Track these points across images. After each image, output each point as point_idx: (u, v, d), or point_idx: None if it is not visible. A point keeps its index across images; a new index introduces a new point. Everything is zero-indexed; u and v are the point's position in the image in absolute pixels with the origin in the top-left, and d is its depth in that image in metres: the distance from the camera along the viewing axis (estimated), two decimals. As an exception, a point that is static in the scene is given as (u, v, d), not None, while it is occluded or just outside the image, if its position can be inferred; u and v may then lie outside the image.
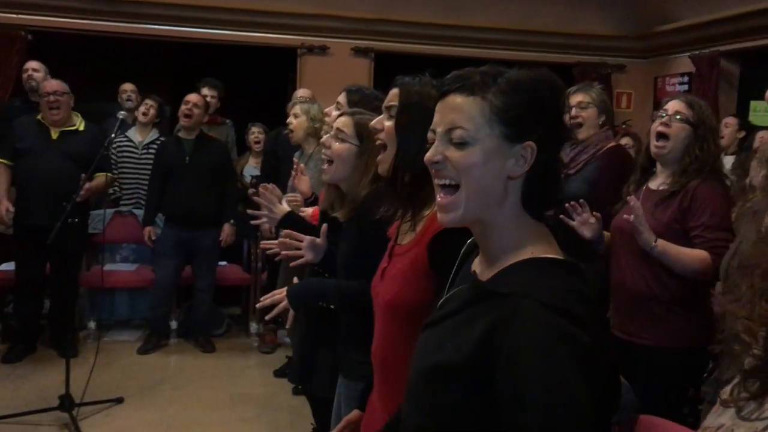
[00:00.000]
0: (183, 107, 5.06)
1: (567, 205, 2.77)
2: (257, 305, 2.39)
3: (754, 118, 5.65)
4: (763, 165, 2.23)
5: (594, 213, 2.76)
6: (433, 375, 1.17)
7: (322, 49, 6.65)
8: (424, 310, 1.42)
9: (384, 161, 1.81)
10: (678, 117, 2.62)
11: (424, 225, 1.70)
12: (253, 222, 2.84)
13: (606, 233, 2.86)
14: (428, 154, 1.18)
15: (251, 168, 5.87)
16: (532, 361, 1.03)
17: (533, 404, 1.02)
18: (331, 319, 2.34)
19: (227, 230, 5.17)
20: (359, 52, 6.68)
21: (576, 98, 3.34)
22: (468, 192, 1.15)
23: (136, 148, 5.57)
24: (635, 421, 1.86)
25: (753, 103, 5.79)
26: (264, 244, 2.65)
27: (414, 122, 1.69)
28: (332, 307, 2.24)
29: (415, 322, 1.38)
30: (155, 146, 5.51)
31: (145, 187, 5.45)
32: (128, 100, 5.93)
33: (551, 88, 1.18)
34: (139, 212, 5.50)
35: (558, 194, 1.22)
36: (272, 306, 2.33)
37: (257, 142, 5.86)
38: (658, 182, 2.73)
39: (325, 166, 2.38)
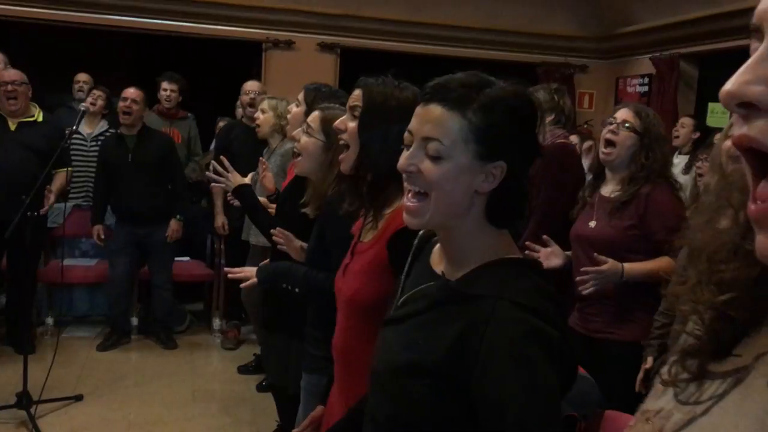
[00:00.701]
0: (121, 104, 4.88)
1: (525, 247, 2.84)
2: (228, 275, 2.48)
3: (711, 120, 5.79)
4: (715, 170, 2.30)
5: (547, 242, 2.86)
6: (405, 372, 1.19)
7: (288, 44, 6.60)
8: (384, 305, 1.45)
9: (346, 160, 1.84)
10: (626, 126, 2.71)
11: (385, 223, 1.75)
12: (212, 185, 2.94)
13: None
14: (402, 163, 1.21)
15: None
16: (508, 361, 1.08)
17: (510, 403, 1.07)
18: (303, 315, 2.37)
19: (173, 226, 5.06)
20: (325, 47, 6.65)
21: None
22: (436, 202, 1.19)
23: (85, 140, 5.46)
24: (601, 416, 1.89)
25: (711, 105, 5.92)
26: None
27: (377, 124, 1.74)
28: (297, 290, 2.26)
29: (376, 318, 1.42)
30: (103, 139, 5.41)
31: (92, 181, 5.33)
32: (80, 90, 5.80)
33: (530, 109, 1.21)
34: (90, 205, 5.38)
35: (523, 209, 1.25)
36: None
37: None
38: (609, 189, 2.81)
39: (294, 159, 2.47)
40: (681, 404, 0.67)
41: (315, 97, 3.04)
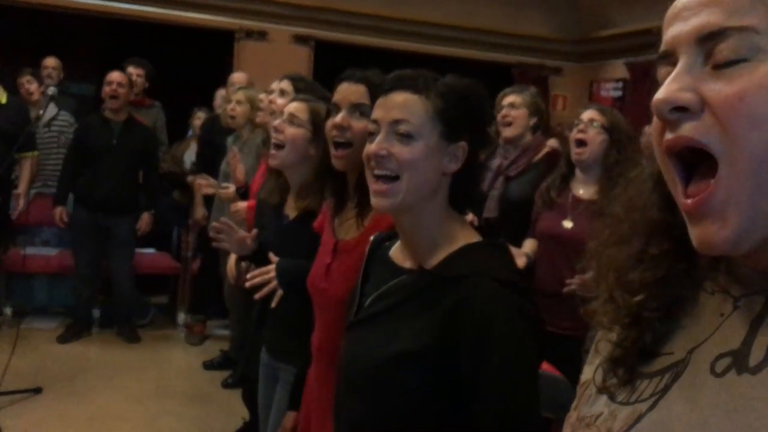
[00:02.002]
0: (107, 88, 4.78)
1: None
2: (247, 284, 2.21)
3: (683, 126, 5.84)
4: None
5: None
6: (392, 363, 1.20)
7: (261, 35, 6.49)
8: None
9: (348, 158, 1.74)
10: (594, 124, 2.76)
11: (373, 219, 1.70)
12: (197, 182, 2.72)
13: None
14: (373, 148, 1.25)
15: (193, 153, 5.66)
16: (498, 334, 1.14)
17: (499, 374, 1.14)
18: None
19: (146, 219, 4.96)
20: (299, 39, 6.56)
21: (508, 99, 3.44)
22: (409, 183, 1.23)
23: (40, 126, 5.26)
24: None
25: (683, 112, 5.98)
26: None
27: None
28: None
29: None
30: (57, 123, 5.24)
31: (51, 167, 5.19)
32: (48, 77, 5.62)
33: (481, 97, 1.31)
34: (49, 192, 5.21)
35: (478, 192, 1.39)
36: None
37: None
38: (585, 189, 2.83)
39: (274, 151, 2.30)
40: (622, 405, 0.71)
41: (306, 86, 2.95)
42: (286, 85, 3.05)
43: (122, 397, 4.12)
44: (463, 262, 1.22)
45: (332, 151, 1.75)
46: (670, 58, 0.68)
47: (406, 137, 1.23)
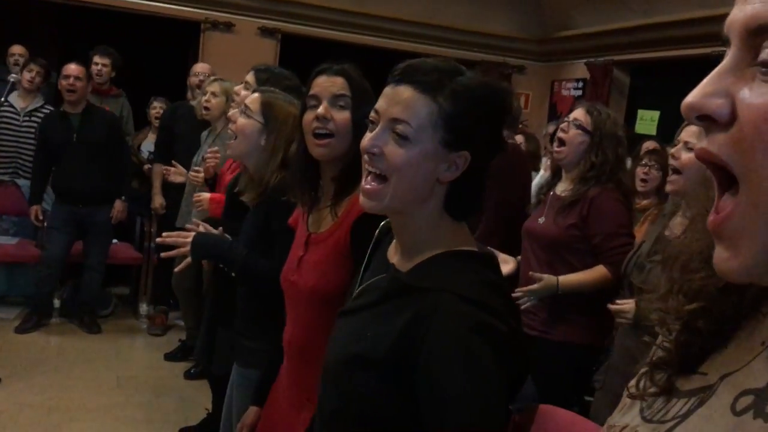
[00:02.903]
0: (63, 82, 4.73)
1: None
2: (158, 239, 2.33)
3: (639, 127, 5.98)
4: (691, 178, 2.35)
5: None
6: (351, 364, 1.18)
7: (227, 26, 6.47)
8: (344, 296, 1.44)
9: (330, 148, 1.73)
10: (576, 123, 2.75)
11: (345, 210, 1.71)
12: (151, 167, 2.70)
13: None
14: (366, 143, 1.18)
15: (150, 144, 5.64)
16: (452, 352, 1.07)
17: (452, 396, 1.06)
18: (233, 299, 2.33)
19: (118, 206, 4.96)
20: (266, 32, 6.55)
21: None
22: (396, 187, 1.16)
23: (18, 114, 5.22)
24: (535, 410, 1.94)
25: (640, 112, 6.12)
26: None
27: (366, 110, 1.69)
28: (233, 273, 2.20)
29: (337, 309, 1.40)
30: (39, 115, 5.20)
31: (25, 157, 5.15)
32: (15, 64, 5.54)
33: (500, 103, 1.19)
34: (20, 183, 5.19)
35: (480, 201, 1.24)
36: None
37: (158, 118, 5.63)
38: (562, 188, 2.87)
39: (231, 141, 2.38)
40: (646, 422, 0.66)
41: (269, 77, 2.97)
42: (250, 77, 3.09)
43: (82, 388, 4.10)
44: (432, 272, 1.16)
45: (313, 141, 1.73)
46: (726, 43, 0.58)
47: (402, 138, 1.14)
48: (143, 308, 5.41)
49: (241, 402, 2.17)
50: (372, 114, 1.20)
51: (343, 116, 1.72)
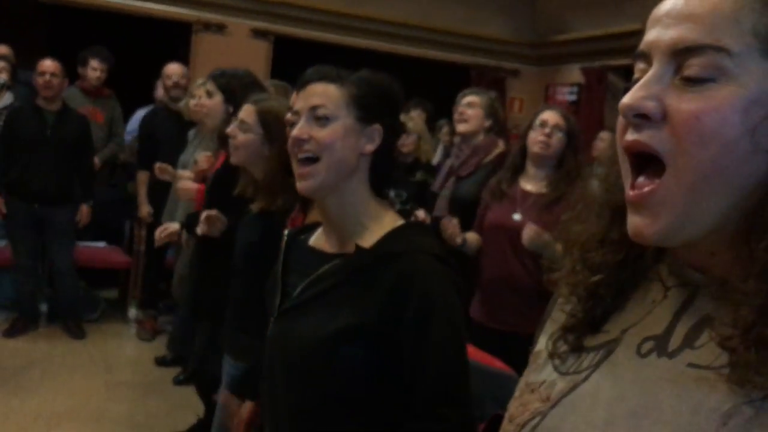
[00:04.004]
0: (39, 79, 4.61)
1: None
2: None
3: (635, 131, 5.96)
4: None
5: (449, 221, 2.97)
6: (335, 340, 1.26)
7: (219, 28, 6.41)
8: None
9: None
10: (559, 128, 2.90)
11: None
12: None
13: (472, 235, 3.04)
14: (295, 133, 1.35)
15: None
16: (439, 307, 1.26)
17: (437, 339, 1.24)
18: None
19: (84, 211, 4.83)
20: (258, 34, 6.50)
21: (467, 98, 3.58)
22: (328, 162, 1.33)
23: None
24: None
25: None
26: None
27: None
28: None
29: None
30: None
31: None
32: None
33: (393, 88, 1.42)
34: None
35: (394, 175, 1.49)
36: None
37: None
38: (533, 184, 2.93)
39: (232, 151, 2.38)
40: (562, 375, 0.78)
41: (228, 80, 2.95)
42: (210, 86, 3.06)
43: (70, 394, 4.03)
44: (399, 240, 1.32)
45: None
46: (645, 58, 0.71)
47: (324, 120, 1.33)
48: (132, 312, 5.33)
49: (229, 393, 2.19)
50: (289, 117, 1.46)
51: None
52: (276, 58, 6.52)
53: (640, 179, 0.70)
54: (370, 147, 1.36)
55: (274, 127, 2.26)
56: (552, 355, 0.81)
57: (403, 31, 6.77)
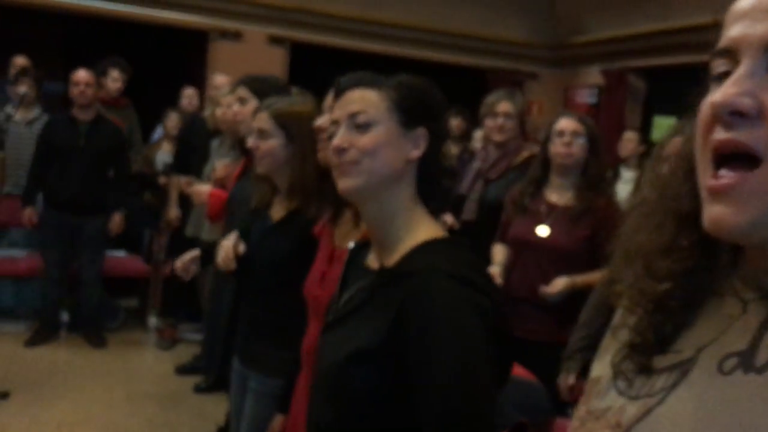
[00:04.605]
0: (75, 90, 4.68)
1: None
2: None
3: (656, 134, 5.90)
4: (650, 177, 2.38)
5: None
6: (348, 364, 1.22)
7: (236, 35, 6.43)
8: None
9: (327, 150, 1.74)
10: (578, 136, 2.82)
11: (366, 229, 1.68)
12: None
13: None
14: (336, 142, 1.27)
15: (165, 154, 5.59)
16: (443, 329, 1.14)
17: (445, 365, 1.13)
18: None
19: (117, 220, 4.86)
20: (275, 41, 6.51)
21: (503, 107, 3.45)
22: (371, 167, 1.26)
23: (19, 125, 5.14)
24: (551, 423, 1.88)
25: (656, 120, 6.04)
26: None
27: None
28: None
29: None
30: (39, 125, 5.13)
31: (25, 167, 5.06)
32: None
33: (433, 91, 1.35)
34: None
35: (444, 186, 1.44)
36: None
37: (174, 129, 5.58)
38: (559, 195, 2.86)
39: (257, 161, 2.30)
40: (632, 399, 0.73)
41: (264, 86, 2.91)
42: (243, 91, 3.00)
43: (91, 402, 4.03)
44: (419, 258, 1.23)
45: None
46: (729, 55, 0.67)
47: (365, 126, 1.26)
48: (152, 321, 5.33)
49: (258, 408, 2.16)
50: (331, 127, 1.33)
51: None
52: (293, 64, 6.52)
53: (723, 171, 0.66)
54: (416, 153, 1.28)
55: (292, 126, 2.21)
56: (616, 376, 0.77)
57: (420, 35, 6.75)
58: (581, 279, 2.67)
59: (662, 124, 5.89)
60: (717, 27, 0.70)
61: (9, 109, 5.07)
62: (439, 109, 1.35)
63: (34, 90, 5.20)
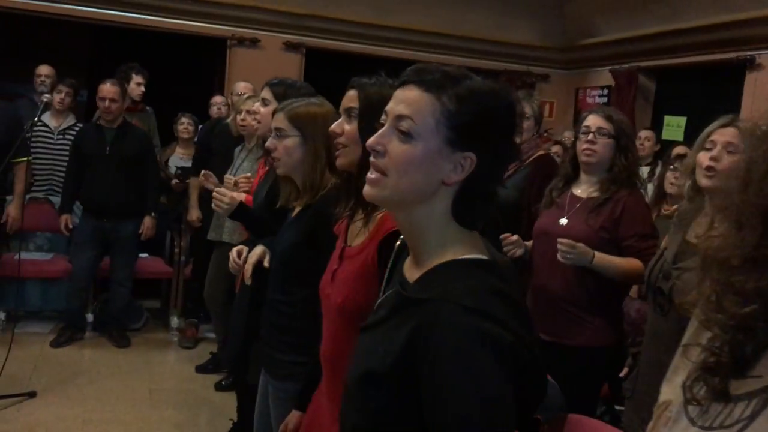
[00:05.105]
0: (101, 104, 4.85)
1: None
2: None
3: (666, 133, 5.94)
4: (687, 176, 2.41)
5: (510, 235, 2.93)
6: (364, 381, 1.19)
7: (253, 42, 6.57)
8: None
9: (345, 156, 1.79)
10: (602, 132, 2.79)
11: (376, 225, 1.70)
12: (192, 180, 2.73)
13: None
14: (372, 141, 1.19)
15: (177, 158, 5.75)
16: (454, 364, 1.05)
17: (455, 405, 1.05)
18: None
19: (148, 223, 5.03)
20: (291, 47, 6.64)
21: (520, 109, 3.46)
22: (396, 182, 1.16)
23: (52, 133, 5.35)
24: (564, 419, 1.93)
25: (666, 119, 6.08)
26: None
27: (375, 123, 1.70)
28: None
29: None
30: (72, 132, 5.31)
31: (60, 175, 5.26)
32: (42, 84, 5.67)
33: (508, 107, 1.18)
34: (54, 200, 5.31)
35: (489, 210, 1.23)
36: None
37: (185, 133, 5.75)
38: (584, 189, 2.86)
39: (275, 162, 2.38)
40: (705, 430, 0.65)
41: (285, 90, 3.00)
42: (266, 93, 3.10)
43: (116, 400, 4.18)
44: (436, 282, 1.15)
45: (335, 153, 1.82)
46: None
47: (406, 135, 1.14)
48: (174, 321, 5.47)
49: (279, 414, 2.18)
50: (383, 116, 1.21)
51: (352, 127, 1.77)
52: (308, 69, 6.64)
53: None
54: (454, 177, 1.15)
55: (308, 126, 2.27)
56: (688, 401, 0.67)
57: (433, 39, 6.84)
58: (600, 255, 2.65)
59: (672, 123, 5.94)
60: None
61: (43, 116, 5.22)
62: (504, 131, 1.19)
63: (70, 98, 5.38)
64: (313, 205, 2.21)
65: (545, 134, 6.72)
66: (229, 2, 6.39)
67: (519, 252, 2.92)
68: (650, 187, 4.89)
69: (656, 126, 6.07)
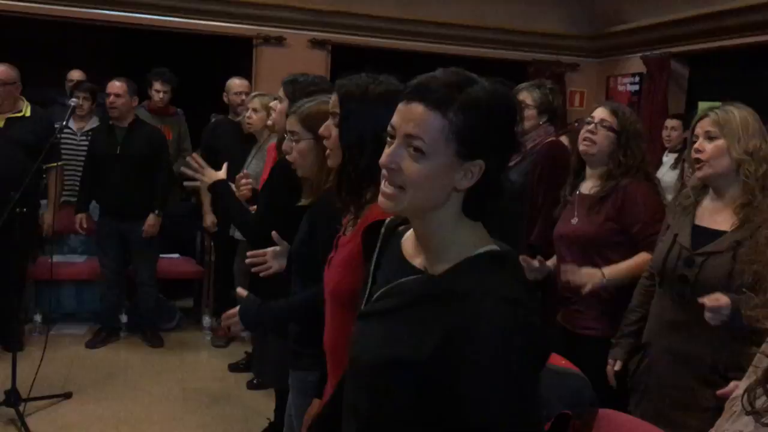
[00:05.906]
0: (106, 99, 4.87)
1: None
2: (247, 260, 2.55)
3: (701, 119, 5.80)
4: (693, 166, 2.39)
5: (538, 258, 2.91)
6: (389, 367, 1.21)
7: (279, 40, 6.57)
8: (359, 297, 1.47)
9: (332, 159, 1.90)
10: (604, 124, 2.76)
11: (364, 216, 1.79)
12: (186, 183, 2.96)
13: None
14: (384, 160, 1.23)
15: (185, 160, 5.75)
16: (498, 358, 1.12)
17: (497, 395, 1.12)
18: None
19: (150, 221, 4.95)
20: (316, 44, 6.62)
21: (520, 97, 3.43)
22: (414, 197, 1.21)
23: (76, 135, 5.39)
24: (594, 414, 1.89)
25: (701, 105, 5.93)
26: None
27: (355, 127, 1.80)
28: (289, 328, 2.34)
29: (354, 310, 1.44)
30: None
31: None
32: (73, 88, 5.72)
33: (508, 109, 1.24)
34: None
35: (498, 203, 1.28)
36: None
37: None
38: (589, 186, 2.85)
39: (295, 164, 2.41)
40: (765, 427, 0.65)
41: (294, 89, 3.02)
42: (280, 91, 3.14)
43: (150, 400, 4.21)
44: (470, 276, 1.20)
45: None
46: None
47: (418, 153, 1.19)
48: (206, 320, 5.50)
49: (299, 403, 2.23)
50: (389, 129, 1.24)
51: (334, 131, 1.87)
52: (334, 65, 6.62)
53: None
54: (465, 184, 1.21)
55: (320, 125, 2.19)
56: (753, 413, 0.68)
57: (459, 31, 6.76)
58: (609, 270, 2.65)
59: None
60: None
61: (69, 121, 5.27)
62: (506, 133, 1.24)
63: (89, 102, 5.43)
64: (314, 203, 2.26)
65: (576, 123, 6.63)
66: (253, 1, 6.40)
67: (540, 276, 2.90)
68: (673, 174, 4.82)
69: (690, 113, 5.93)
